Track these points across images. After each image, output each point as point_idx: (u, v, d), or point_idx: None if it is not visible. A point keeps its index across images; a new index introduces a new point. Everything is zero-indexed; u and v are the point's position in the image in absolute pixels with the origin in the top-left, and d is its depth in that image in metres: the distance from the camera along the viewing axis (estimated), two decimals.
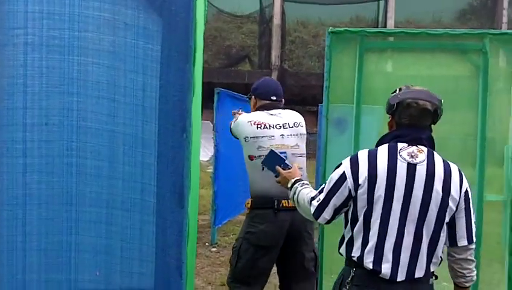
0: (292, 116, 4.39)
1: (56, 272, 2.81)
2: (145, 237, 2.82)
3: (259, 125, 4.29)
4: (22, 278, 2.80)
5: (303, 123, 4.39)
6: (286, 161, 3.41)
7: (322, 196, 2.89)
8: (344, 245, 2.91)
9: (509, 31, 4.55)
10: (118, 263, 2.83)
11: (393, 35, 5.37)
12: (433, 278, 2.90)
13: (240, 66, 22.54)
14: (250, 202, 4.27)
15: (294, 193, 3.13)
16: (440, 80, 5.02)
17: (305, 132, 4.36)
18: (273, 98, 4.46)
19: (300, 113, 4.59)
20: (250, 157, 4.24)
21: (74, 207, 2.82)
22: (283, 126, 4.31)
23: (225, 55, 22.65)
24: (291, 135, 4.30)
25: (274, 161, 3.38)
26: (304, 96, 20.40)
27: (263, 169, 3.99)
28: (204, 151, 13.61)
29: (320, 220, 2.92)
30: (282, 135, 4.27)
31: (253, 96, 4.49)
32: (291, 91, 20.31)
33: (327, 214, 2.87)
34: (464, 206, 2.81)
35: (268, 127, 4.29)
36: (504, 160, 4.80)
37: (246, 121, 4.30)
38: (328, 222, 2.92)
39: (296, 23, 23.52)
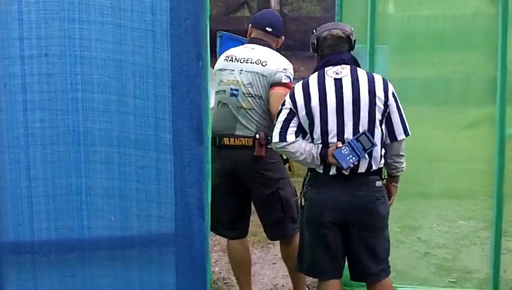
0: (261, 54, 3.95)
1: (67, 219, 2.60)
2: (163, 177, 2.62)
3: (227, 58, 3.96)
4: (29, 226, 2.59)
5: (273, 65, 3.89)
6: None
7: (279, 125, 3.31)
8: None
9: None
10: (134, 207, 2.62)
11: None
12: (380, 179, 3.28)
13: (238, 13, 22.11)
14: None
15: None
16: (453, 19, 4.85)
17: (267, 74, 3.87)
18: (269, 29, 4.11)
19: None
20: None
21: (82, 147, 2.59)
22: (246, 61, 3.92)
23: (223, 2, 22.21)
24: (248, 71, 3.90)
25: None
26: (305, 41, 19.99)
27: (217, 106, 3.94)
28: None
29: (289, 139, 3.27)
30: (241, 70, 3.90)
31: (249, 26, 4.13)
32: (292, 36, 19.96)
33: (290, 136, 3.27)
34: (394, 104, 3.26)
35: (233, 59, 3.95)
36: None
37: (223, 54, 4.05)
38: (294, 141, 3.27)
39: None
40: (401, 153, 3.36)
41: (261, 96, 3.89)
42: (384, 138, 3.28)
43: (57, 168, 2.58)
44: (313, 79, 3.31)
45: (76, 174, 2.59)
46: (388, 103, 3.25)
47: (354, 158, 3.16)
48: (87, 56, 2.57)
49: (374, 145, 3.20)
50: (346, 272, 3.40)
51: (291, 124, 3.28)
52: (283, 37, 4.14)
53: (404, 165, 3.41)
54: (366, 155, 3.20)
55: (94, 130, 2.59)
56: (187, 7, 2.54)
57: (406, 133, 3.31)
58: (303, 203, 3.39)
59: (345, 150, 3.17)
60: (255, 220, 4.31)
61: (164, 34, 2.57)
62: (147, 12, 2.56)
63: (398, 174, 3.43)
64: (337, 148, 3.18)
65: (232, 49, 4.09)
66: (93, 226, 2.61)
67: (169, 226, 2.61)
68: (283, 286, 4.53)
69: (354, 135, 3.19)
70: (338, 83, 3.24)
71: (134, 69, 2.58)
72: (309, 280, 4.10)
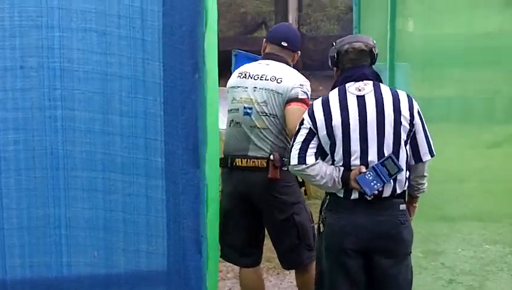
0: (276, 70, 3.74)
1: (43, 255, 2.36)
2: (153, 207, 2.39)
3: (240, 74, 3.77)
4: (1, 263, 2.34)
5: (288, 81, 3.70)
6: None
7: (297, 146, 3.16)
8: None
9: None
10: (121, 241, 2.39)
11: None
12: (403, 202, 3.17)
13: (256, 33, 22.20)
14: None
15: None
16: (477, 37, 4.85)
17: (282, 92, 3.68)
18: (284, 44, 3.87)
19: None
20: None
21: (62, 172, 2.36)
22: (260, 77, 3.72)
23: (240, 23, 22.37)
24: (263, 88, 3.70)
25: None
26: (323, 61, 19.91)
27: (230, 125, 3.77)
28: (222, 119, 13.41)
29: (308, 161, 3.13)
30: (255, 87, 3.71)
31: (264, 41, 3.94)
32: (310, 56, 19.91)
33: (310, 158, 3.13)
34: (419, 122, 3.14)
35: (246, 76, 3.76)
36: None
37: (236, 71, 3.87)
38: (314, 164, 3.13)
39: None
40: (425, 175, 3.28)
41: (276, 115, 3.69)
42: (408, 159, 3.16)
43: (33, 196, 2.36)
44: (334, 96, 3.19)
45: (54, 203, 2.36)
46: (414, 122, 3.14)
47: (378, 184, 2.96)
48: (67, 68, 2.34)
49: (400, 170, 3.00)
50: None
51: (310, 145, 3.15)
52: (299, 52, 3.93)
53: (426, 185, 3.34)
54: (391, 180, 3.06)
55: (75, 152, 2.36)
56: (182, 12, 2.29)
57: (432, 154, 3.21)
58: (321, 230, 3.27)
59: (369, 175, 2.96)
60: (269, 244, 4.09)
61: (155, 43, 2.34)
62: (136, 18, 2.32)
63: (419, 195, 3.37)
64: (360, 172, 2.98)
65: (245, 65, 3.89)
66: (73, 263, 2.37)
67: (160, 263, 2.38)
68: None
69: (378, 156, 3.05)
70: (361, 100, 3.13)
71: (122, 83, 2.35)
72: None
